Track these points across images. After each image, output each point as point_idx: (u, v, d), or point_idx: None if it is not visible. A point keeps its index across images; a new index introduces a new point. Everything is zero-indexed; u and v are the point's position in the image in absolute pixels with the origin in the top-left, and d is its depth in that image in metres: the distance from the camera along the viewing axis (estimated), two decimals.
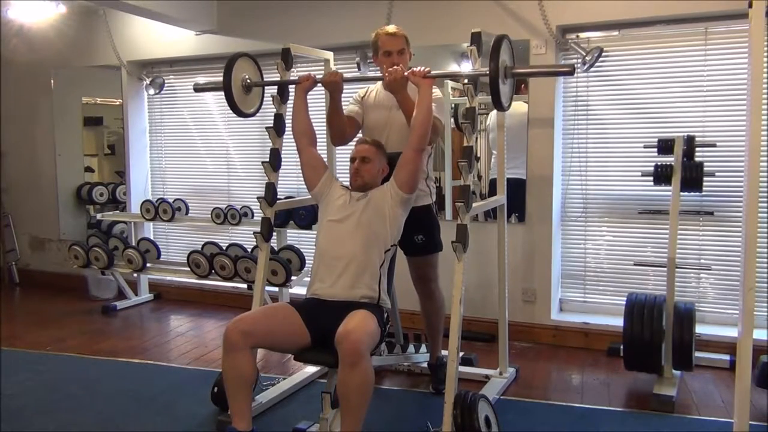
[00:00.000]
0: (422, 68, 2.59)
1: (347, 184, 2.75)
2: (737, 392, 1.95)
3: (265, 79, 3.10)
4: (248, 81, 2.99)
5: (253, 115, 3.09)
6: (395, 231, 2.62)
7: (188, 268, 4.42)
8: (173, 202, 4.88)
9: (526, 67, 3.36)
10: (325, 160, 3.61)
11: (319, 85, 2.85)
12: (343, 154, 3.10)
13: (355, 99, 3.08)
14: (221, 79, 2.89)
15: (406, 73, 2.59)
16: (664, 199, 3.32)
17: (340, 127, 2.89)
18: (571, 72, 2.49)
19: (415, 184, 2.61)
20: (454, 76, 2.82)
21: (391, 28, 2.87)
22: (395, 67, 2.64)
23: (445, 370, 2.38)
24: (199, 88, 3.24)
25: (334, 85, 2.76)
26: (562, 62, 3.72)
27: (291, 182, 4.40)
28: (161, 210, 4.79)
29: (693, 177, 3.15)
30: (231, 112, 2.96)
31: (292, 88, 2.95)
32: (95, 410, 2.96)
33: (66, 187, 5.53)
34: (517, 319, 3.78)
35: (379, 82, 2.99)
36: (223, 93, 2.91)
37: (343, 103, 2.86)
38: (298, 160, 2.82)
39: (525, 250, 3.85)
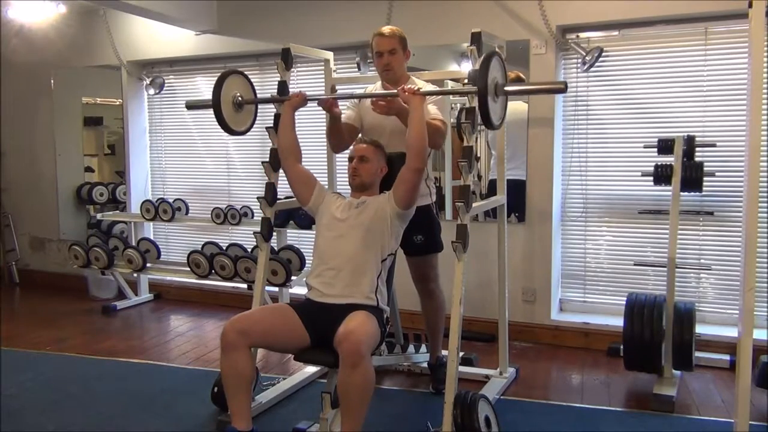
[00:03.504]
0: (412, 86, 2.56)
1: (339, 190, 2.74)
2: (737, 392, 1.95)
3: (258, 92, 3.05)
4: (239, 98, 2.90)
5: (244, 133, 3.00)
6: (393, 241, 2.61)
7: (188, 268, 4.42)
8: (173, 202, 4.88)
9: (518, 84, 3.30)
10: (325, 161, 3.65)
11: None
12: (343, 156, 3.09)
13: (352, 102, 3.08)
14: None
15: (396, 90, 2.56)
16: (664, 199, 3.32)
17: (340, 138, 2.91)
18: (563, 90, 2.43)
19: (412, 202, 2.59)
20: (445, 93, 2.80)
21: (385, 29, 2.85)
22: (381, 102, 2.64)
23: (445, 370, 2.38)
24: (191, 106, 3.17)
25: (328, 105, 2.79)
26: (560, 71, 3.72)
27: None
28: (161, 210, 4.79)
29: (693, 177, 3.15)
30: None
31: (292, 87, 2.95)
32: (95, 410, 2.96)
33: (66, 187, 5.53)
34: (517, 319, 3.78)
35: (379, 81, 2.99)
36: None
37: (342, 105, 2.86)
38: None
39: (525, 250, 3.85)
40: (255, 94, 3.02)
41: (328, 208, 2.68)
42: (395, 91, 2.59)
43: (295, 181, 2.75)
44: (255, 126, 3.04)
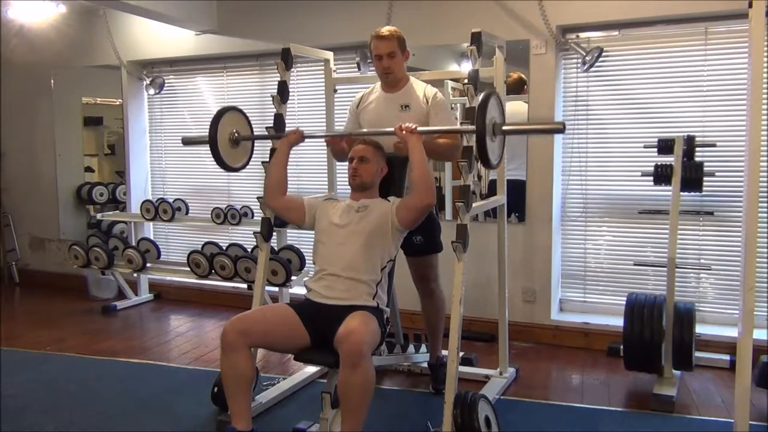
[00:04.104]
0: (409, 124, 2.56)
1: (339, 191, 2.74)
2: (737, 392, 1.95)
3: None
4: (236, 135, 2.91)
5: (240, 169, 3.03)
6: (393, 247, 2.62)
7: (188, 268, 4.42)
8: (173, 202, 4.88)
9: (517, 124, 3.29)
10: (325, 163, 3.65)
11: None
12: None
13: (351, 111, 3.08)
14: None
15: (394, 128, 2.57)
16: (664, 199, 3.31)
17: (344, 153, 2.91)
18: (561, 130, 2.43)
19: (414, 226, 2.63)
20: (444, 132, 2.81)
21: (384, 30, 2.84)
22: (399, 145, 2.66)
23: (445, 370, 2.38)
24: (187, 141, 3.20)
25: (339, 147, 2.89)
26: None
27: (291, 182, 4.36)
28: (161, 210, 4.79)
29: (693, 177, 3.15)
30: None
31: (292, 87, 2.93)
32: (95, 410, 2.96)
33: (66, 187, 5.53)
34: (517, 319, 3.78)
35: (379, 83, 3.00)
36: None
37: (342, 104, 2.85)
38: (274, 205, 2.82)
39: (525, 250, 3.85)
40: (252, 130, 3.02)
41: (324, 215, 2.69)
42: (392, 129, 2.59)
43: (284, 209, 2.79)
44: (255, 126, 3.05)
